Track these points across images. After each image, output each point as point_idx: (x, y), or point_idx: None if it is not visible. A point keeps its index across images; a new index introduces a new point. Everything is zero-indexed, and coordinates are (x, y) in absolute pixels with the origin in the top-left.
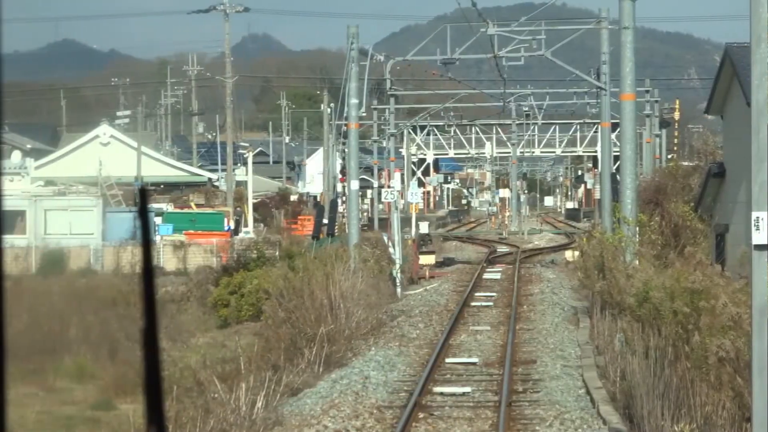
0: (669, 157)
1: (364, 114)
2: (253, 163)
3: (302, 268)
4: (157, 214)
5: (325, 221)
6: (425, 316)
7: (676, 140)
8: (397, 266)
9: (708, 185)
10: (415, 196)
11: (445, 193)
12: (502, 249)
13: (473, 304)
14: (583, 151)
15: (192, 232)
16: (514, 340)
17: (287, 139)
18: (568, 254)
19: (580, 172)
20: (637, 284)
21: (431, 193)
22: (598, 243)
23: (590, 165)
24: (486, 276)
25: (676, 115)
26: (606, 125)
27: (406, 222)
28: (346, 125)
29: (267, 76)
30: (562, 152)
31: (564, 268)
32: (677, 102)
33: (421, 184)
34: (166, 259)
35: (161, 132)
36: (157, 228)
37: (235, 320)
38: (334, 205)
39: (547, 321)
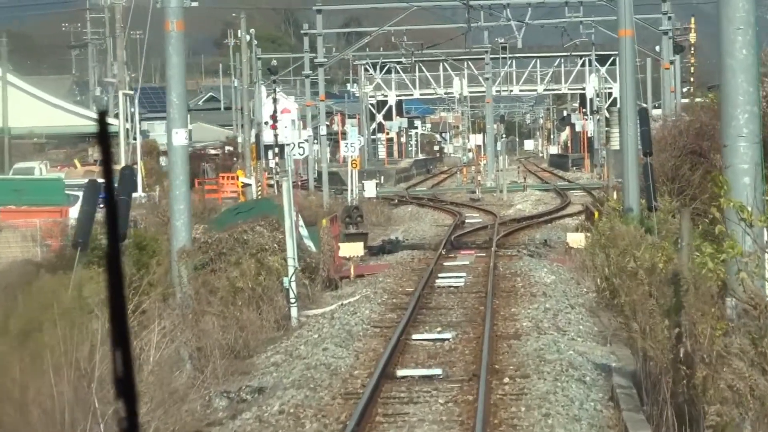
0: (684, 90)
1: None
2: (203, 110)
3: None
4: None
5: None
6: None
7: (692, 69)
8: (291, 273)
9: None
10: (351, 148)
11: (413, 139)
12: (473, 218)
13: (402, 373)
14: (569, 89)
15: (14, 208)
16: None
17: (236, 83)
18: (571, 238)
19: (565, 113)
20: None
21: (394, 140)
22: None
23: (575, 105)
24: (441, 280)
25: (692, 37)
26: (628, 34)
27: (340, 180)
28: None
29: (233, 7)
30: (545, 90)
31: (563, 256)
32: (692, 20)
33: (380, 129)
34: None
35: (95, 76)
36: None
37: None
38: (129, 176)
39: None
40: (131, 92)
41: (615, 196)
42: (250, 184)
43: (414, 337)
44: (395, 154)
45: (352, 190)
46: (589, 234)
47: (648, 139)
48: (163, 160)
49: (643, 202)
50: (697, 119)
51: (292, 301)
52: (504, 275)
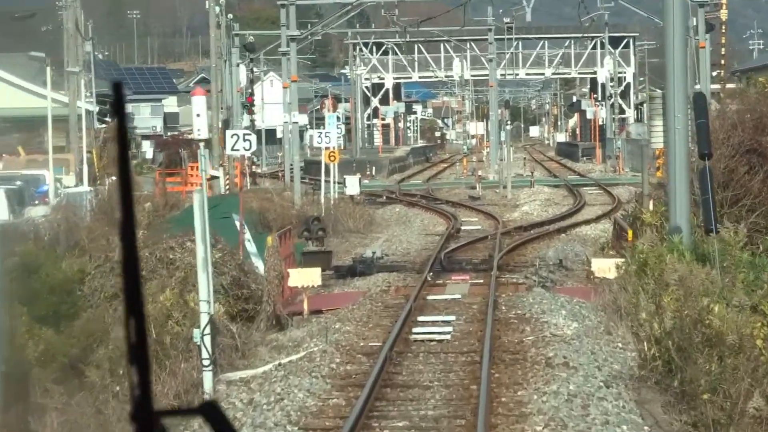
0: (714, 74)
1: None
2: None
3: None
4: None
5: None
6: None
7: (723, 50)
8: (203, 324)
9: None
10: (326, 138)
11: (413, 125)
12: (471, 224)
13: None
14: (579, 73)
15: None
16: None
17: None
18: (597, 265)
19: (574, 98)
20: None
21: (391, 126)
22: None
23: (584, 90)
24: (420, 328)
25: (723, 14)
26: None
27: (316, 169)
28: None
29: None
30: (554, 74)
31: (585, 284)
32: None
33: (376, 114)
34: None
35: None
36: None
37: None
38: None
39: None
40: (76, 70)
41: (651, 207)
42: (217, 177)
43: None
44: (392, 141)
45: (331, 187)
46: (621, 262)
47: (706, 136)
48: (144, 145)
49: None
50: (755, 108)
51: (205, 364)
52: (507, 320)
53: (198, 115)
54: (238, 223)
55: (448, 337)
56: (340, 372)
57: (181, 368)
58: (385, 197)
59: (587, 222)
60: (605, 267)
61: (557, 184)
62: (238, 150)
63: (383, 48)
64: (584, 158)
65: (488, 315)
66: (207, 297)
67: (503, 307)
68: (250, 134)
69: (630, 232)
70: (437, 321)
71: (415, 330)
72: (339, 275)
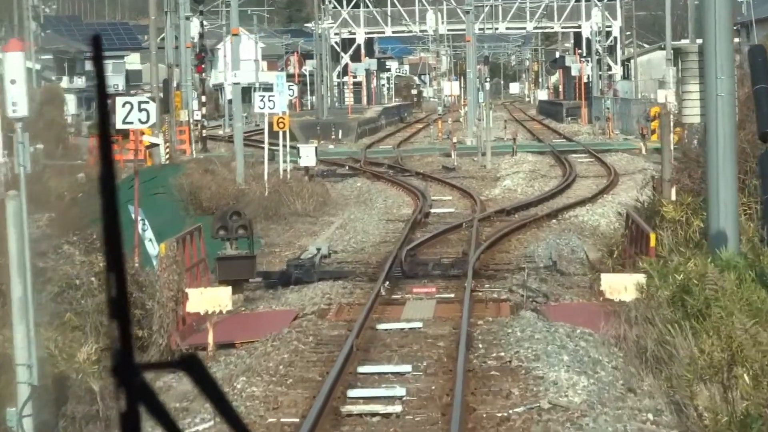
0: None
1: None
2: (160, 48)
3: None
4: None
5: None
6: None
7: None
8: (22, 402)
9: None
10: (271, 102)
11: (389, 82)
12: (443, 206)
13: None
14: (562, 27)
15: None
16: None
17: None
18: (609, 282)
19: (557, 54)
20: None
21: (363, 84)
22: None
23: (566, 45)
24: (359, 390)
25: None
26: None
27: (293, 136)
28: None
29: None
30: (535, 28)
31: (589, 301)
32: None
33: (345, 72)
34: None
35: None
36: None
37: None
38: None
39: None
40: None
41: (673, 196)
42: (157, 144)
43: None
44: (363, 100)
45: (281, 158)
46: (643, 280)
47: None
48: (69, 101)
49: (748, 226)
50: None
51: None
52: (485, 372)
53: (13, 82)
54: (133, 216)
55: (399, 408)
56: None
57: None
58: (347, 167)
59: (582, 203)
60: (620, 286)
61: (542, 150)
62: (131, 123)
63: (354, 0)
64: (569, 118)
65: (459, 363)
66: (27, 359)
67: (480, 346)
68: (147, 102)
69: (653, 237)
70: (386, 374)
71: (351, 394)
72: (269, 283)
